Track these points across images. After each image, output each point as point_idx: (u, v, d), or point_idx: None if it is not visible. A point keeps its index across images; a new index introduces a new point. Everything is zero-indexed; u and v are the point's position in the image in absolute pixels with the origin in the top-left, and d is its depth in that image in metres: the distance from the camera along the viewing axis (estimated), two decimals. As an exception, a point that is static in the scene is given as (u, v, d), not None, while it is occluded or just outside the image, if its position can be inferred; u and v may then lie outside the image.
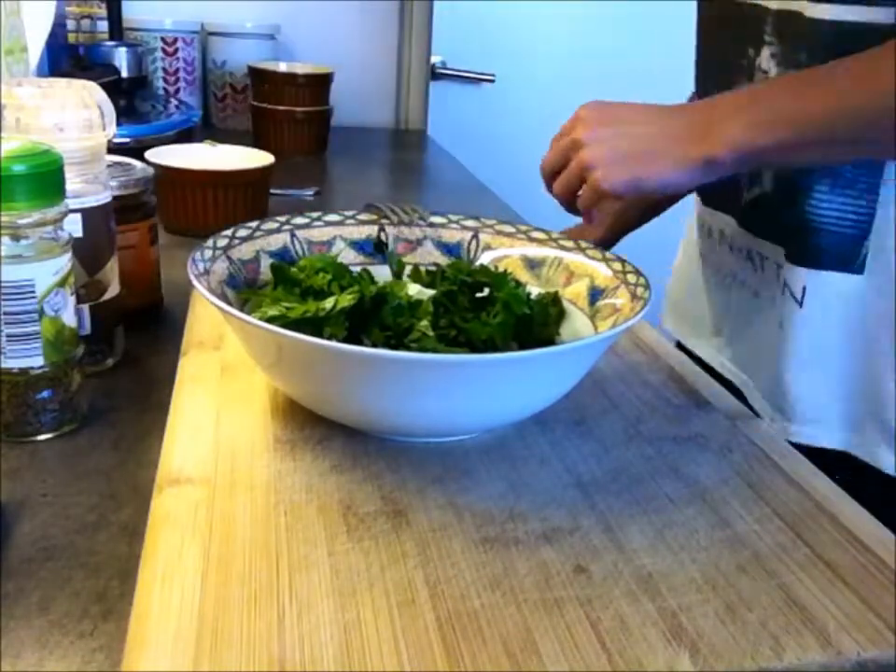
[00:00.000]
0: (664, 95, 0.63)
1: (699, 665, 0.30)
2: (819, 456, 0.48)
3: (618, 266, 0.50)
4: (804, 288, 0.62)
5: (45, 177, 0.44)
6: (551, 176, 0.60)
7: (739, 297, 0.71)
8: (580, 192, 0.58)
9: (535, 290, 0.53)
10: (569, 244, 0.54)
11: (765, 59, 0.62)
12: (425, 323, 0.46)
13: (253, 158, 0.90)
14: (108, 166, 0.56)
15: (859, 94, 0.51)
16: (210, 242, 0.49)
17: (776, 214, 0.64)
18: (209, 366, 0.50)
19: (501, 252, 0.56)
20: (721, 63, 0.70)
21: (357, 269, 0.53)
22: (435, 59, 1.74)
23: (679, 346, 0.80)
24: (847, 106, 0.52)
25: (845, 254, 0.60)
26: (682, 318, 0.83)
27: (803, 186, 0.60)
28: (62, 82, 0.52)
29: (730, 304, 0.73)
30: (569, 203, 0.60)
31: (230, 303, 0.42)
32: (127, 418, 0.51)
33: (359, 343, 0.45)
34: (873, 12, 0.54)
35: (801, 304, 0.63)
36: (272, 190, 0.94)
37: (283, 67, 1.32)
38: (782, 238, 0.64)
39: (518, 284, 0.52)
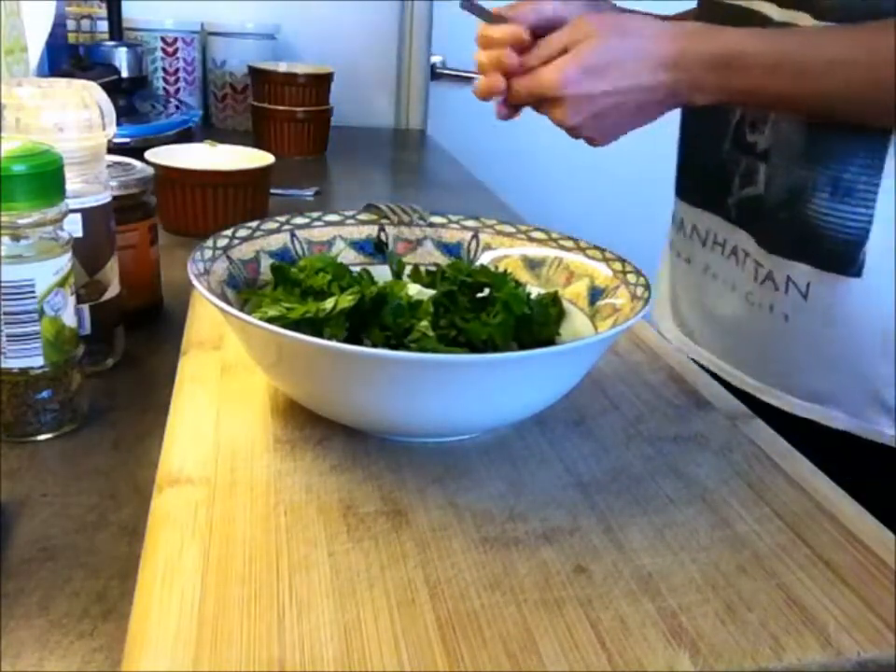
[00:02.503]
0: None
1: (699, 665, 0.30)
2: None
3: (618, 266, 0.50)
4: (808, 284, 0.64)
5: (45, 177, 0.44)
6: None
7: (721, 291, 0.72)
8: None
9: (535, 290, 0.53)
10: (569, 243, 0.54)
11: None
12: (425, 323, 0.46)
13: (253, 158, 0.90)
14: (108, 166, 0.56)
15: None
16: (210, 242, 0.49)
17: (772, 215, 0.65)
18: (209, 366, 0.50)
19: (501, 252, 0.56)
20: None
21: (357, 269, 0.53)
22: (435, 59, 1.74)
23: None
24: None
25: (844, 258, 0.61)
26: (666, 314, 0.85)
27: (803, 193, 0.62)
28: (62, 82, 0.52)
29: (720, 303, 0.73)
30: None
31: (230, 303, 0.42)
32: (127, 418, 0.50)
33: (359, 343, 0.45)
34: None
35: (805, 297, 0.64)
36: (272, 190, 0.94)
37: (283, 67, 1.32)
38: (779, 238, 0.65)
39: (518, 284, 0.52)
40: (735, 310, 0.71)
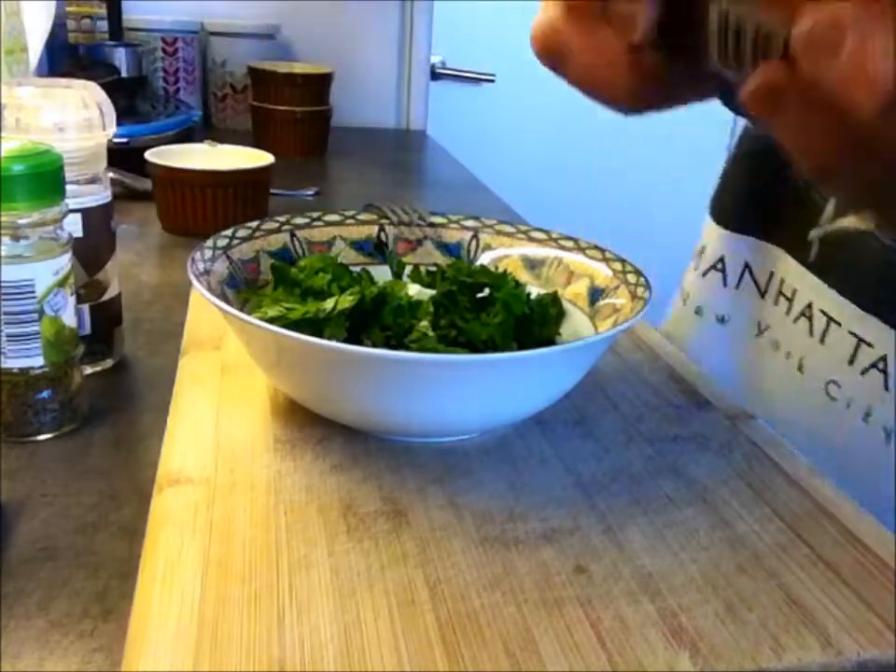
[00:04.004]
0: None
1: (699, 665, 0.30)
2: None
3: (618, 266, 0.50)
4: None
5: (45, 177, 0.44)
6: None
7: (786, 370, 0.50)
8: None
9: (535, 290, 0.53)
10: (569, 244, 0.54)
11: None
12: (425, 323, 0.46)
13: (253, 158, 0.90)
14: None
15: None
16: (210, 242, 0.49)
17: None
18: (209, 366, 0.50)
19: (501, 252, 0.56)
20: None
21: (357, 269, 0.53)
22: (435, 59, 1.74)
23: None
24: None
25: None
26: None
27: None
28: (62, 82, 0.52)
29: (782, 389, 0.51)
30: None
31: (230, 303, 0.42)
32: (127, 418, 0.51)
33: (359, 343, 0.45)
34: None
35: None
36: (272, 190, 0.94)
37: (283, 67, 1.32)
38: None
39: (518, 284, 0.52)
40: (807, 402, 0.49)
